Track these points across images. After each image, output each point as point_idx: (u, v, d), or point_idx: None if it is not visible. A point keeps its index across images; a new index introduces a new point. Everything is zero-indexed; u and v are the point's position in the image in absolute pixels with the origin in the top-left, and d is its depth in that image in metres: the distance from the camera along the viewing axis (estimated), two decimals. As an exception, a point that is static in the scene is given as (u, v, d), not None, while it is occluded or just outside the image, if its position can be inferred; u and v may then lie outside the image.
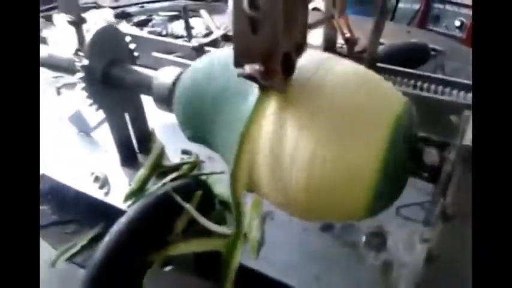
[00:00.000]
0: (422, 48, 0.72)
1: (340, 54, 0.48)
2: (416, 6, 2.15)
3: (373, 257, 0.35)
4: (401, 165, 0.25)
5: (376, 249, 0.35)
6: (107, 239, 0.32)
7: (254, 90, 0.26)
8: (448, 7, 1.95)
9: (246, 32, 0.21)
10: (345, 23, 0.48)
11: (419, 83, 0.50)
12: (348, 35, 0.48)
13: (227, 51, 0.30)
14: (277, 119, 0.25)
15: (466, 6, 1.87)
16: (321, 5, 0.58)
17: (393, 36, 0.90)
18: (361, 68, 0.27)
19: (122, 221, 0.33)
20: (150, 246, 0.33)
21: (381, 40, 0.84)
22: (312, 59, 0.27)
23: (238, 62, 0.23)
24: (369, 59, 0.47)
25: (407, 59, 0.72)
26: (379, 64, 0.51)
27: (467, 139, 0.19)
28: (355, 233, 0.37)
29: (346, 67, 0.27)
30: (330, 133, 0.24)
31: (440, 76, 0.50)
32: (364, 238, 0.36)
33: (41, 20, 0.96)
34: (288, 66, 0.24)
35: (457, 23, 1.89)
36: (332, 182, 0.24)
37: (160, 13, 1.00)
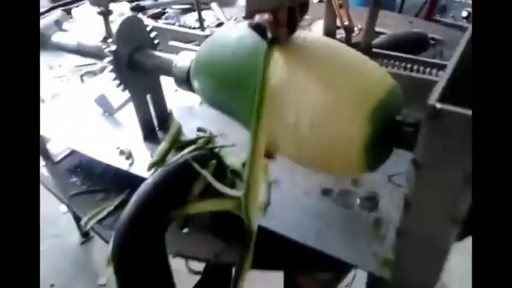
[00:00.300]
0: (422, 37, 0.76)
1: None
2: (427, -4, 2.16)
3: (365, 216, 0.40)
4: (388, 126, 0.30)
5: (368, 209, 0.40)
6: (134, 198, 0.38)
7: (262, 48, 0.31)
8: (456, -3, 1.97)
9: None
10: (345, 11, 0.52)
11: (415, 66, 0.54)
12: (346, 23, 0.52)
13: (230, 29, 0.35)
14: (284, 70, 0.30)
15: (472, -4, 1.88)
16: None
17: (396, 26, 0.94)
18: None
19: (147, 182, 0.38)
20: (172, 205, 0.38)
21: (384, 30, 0.88)
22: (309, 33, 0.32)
23: (250, 13, 0.27)
24: (364, 46, 0.52)
25: (407, 48, 0.76)
26: (374, 50, 0.56)
27: (433, 98, 0.24)
28: (351, 197, 0.42)
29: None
30: (327, 88, 0.29)
31: (431, 60, 0.54)
32: (358, 201, 0.41)
33: (62, 13, 1.01)
34: (292, 21, 0.29)
35: (464, 14, 1.92)
36: (330, 127, 0.29)
37: (174, 6, 1.05)
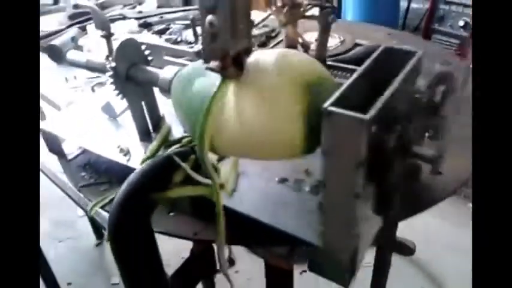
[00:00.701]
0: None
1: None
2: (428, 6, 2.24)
3: (313, 199, 0.49)
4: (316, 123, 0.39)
5: (316, 194, 0.49)
6: (124, 184, 0.48)
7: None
8: (453, 8, 2.04)
9: (209, 41, 0.36)
10: (295, 32, 0.62)
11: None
12: (300, 40, 0.62)
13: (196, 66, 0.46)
14: (230, 96, 0.40)
15: (469, 7, 1.96)
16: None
17: (376, 39, 1.03)
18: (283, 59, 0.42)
19: (136, 171, 0.48)
20: (155, 189, 0.48)
21: (364, 42, 0.97)
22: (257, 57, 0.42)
23: (206, 60, 0.38)
24: (318, 57, 0.61)
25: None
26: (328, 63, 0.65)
27: (328, 103, 0.33)
28: (303, 184, 0.51)
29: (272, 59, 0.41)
30: (261, 106, 0.39)
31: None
32: (308, 188, 0.50)
33: (77, 30, 1.13)
34: (239, 63, 0.39)
35: (461, 23, 1.99)
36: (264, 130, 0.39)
37: (177, 22, 1.16)
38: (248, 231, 0.49)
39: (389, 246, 1.30)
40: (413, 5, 2.74)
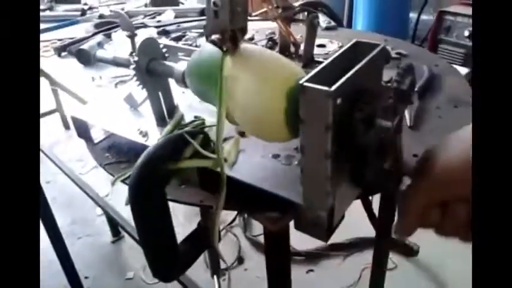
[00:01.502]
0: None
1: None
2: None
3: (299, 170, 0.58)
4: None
5: (302, 167, 0.58)
6: (142, 155, 0.57)
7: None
8: (459, 19, 2.12)
9: (212, 17, 0.46)
10: (287, 31, 0.72)
11: None
12: (293, 40, 0.72)
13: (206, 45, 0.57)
14: (232, 69, 0.50)
15: (474, 18, 2.02)
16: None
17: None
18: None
19: (152, 145, 0.58)
20: (168, 160, 0.58)
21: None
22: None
23: (208, 34, 0.48)
24: (305, 56, 0.71)
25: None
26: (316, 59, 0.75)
27: (303, 79, 0.42)
28: (292, 159, 0.60)
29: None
30: (256, 80, 0.49)
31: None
32: (296, 162, 0.59)
33: (103, 37, 1.26)
34: (235, 40, 0.49)
35: (466, 33, 2.06)
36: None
37: (193, 30, 1.27)
38: (245, 198, 0.58)
39: (387, 245, 1.36)
40: (423, 17, 2.81)
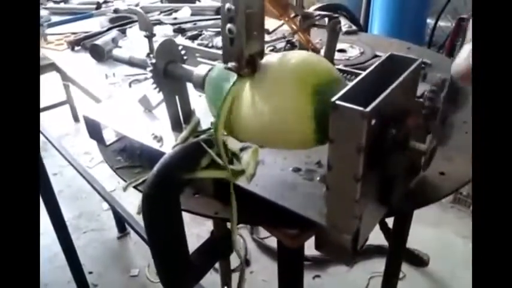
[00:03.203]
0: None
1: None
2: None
3: (322, 187, 0.55)
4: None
5: (324, 182, 0.55)
6: (157, 164, 0.55)
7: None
8: (479, 27, 2.07)
9: (228, 45, 0.44)
10: (306, 39, 0.69)
11: None
12: (312, 47, 0.69)
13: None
14: (245, 92, 0.47)
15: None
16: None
17: (395, 51, 1.08)
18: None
19: (168, 153, 0.55)
20: (184, 170, 0.55)
21: (382, 54, 1.03)
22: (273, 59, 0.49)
23: (225, 61, 0.46)
24: None
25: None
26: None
27: (335, 97, 0.39)
28: (314, 174, 0.57)
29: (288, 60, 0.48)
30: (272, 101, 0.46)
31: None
32: (318, 177, 0.56)
33: (117, 32, 1.24)
34: (253, 64, 0.46)
35: (486, 42, 2.01)
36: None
37: (209, 29, 1.24)
38: (264, 212, 0.56)
39: (399, 253, 1.33)
40: (441, 23, 2.76)
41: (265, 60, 0.49)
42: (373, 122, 0.39)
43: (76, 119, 2.97)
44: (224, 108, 0.50)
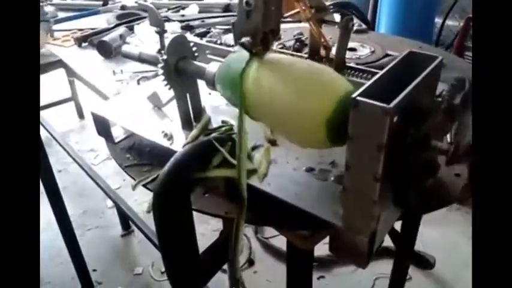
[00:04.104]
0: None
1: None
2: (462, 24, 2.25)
3: (336, 188, 0.54)
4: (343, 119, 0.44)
5: (339, 183, 0.54)
6: (169, 162, 0.54)
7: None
8: (488, 27, 2.05)
9: (243, 18, 0.43)
10: (319, 33, 0.68)
11: None
12: (324, 42, 0.67)
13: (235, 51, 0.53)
14: (257, 71, 0.46)
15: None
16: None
17: (407, 50, 1.07)
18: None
19: (180, 152, 0.54)
20: (196, 168, 0.54)
21: (395, 53, 1.01)
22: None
23: (237, 37, 0.44)
24: (337, 60, 0.66)
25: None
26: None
27: (356, 93, 0.38)
28: (328, 174, 0.56)
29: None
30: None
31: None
32: (333, 177, 0.55)
33: (125, 29, 1.23)
34: (266, 42, 0.45)
35: (495, 42, 1.99)
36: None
37: (217, 26, 1.23)
38: (275, 212, 0.54)
39: (407, 256, 1.32)
40: (449, 22, 2.74)
41: (282, 55, 0.48)
42: (395, 119, 0.38)
43: (81, 115, 2.97)
44: (242, 86, 0.49)
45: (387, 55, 1.00)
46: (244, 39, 0.45)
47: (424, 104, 0.42)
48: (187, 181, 0.54)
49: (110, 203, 2.41)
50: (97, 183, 1.87)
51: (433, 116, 0.44)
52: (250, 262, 1.96)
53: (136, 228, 2.07)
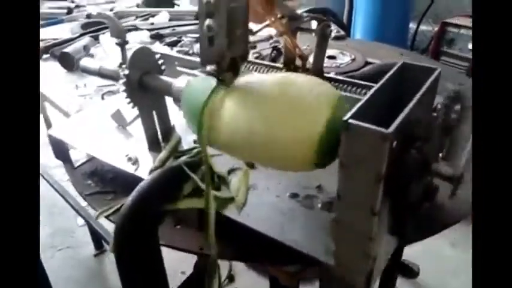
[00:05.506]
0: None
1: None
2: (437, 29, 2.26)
3: (325, 216, 0.47)
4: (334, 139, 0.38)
5: (328, 210, 0.48)
6: (133, 192, 0.47)
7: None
8: (463, 31, 2.05)
9: (206, 45, 0.36)
10: (293, 43, 0.62)
11: (358, 89, 0.62)
12: (299, 53, 0.62)
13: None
14: (225, 101, 0.40)
15: (479, 30, 1.96)
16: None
17: (387, 57, 1.03)
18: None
19: (146, 180, 0.47)
20: (164, 200, 0.47)
21: (375, 60, 0.97)
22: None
23: (203, 64, 0.38)
24: (314, 70, 0.61)
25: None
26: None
27: (347, 115, 0.32)
28: (314, 200, 0.50)
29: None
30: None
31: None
32: (320, 204, 0.49)
33: (90, 39, 1.14)
34: (234, 68, 0.39)
35: (470, 46, 1.99)
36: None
37: (188, 35, 1.16)
38: (257, 247, 0.48)
39: (395, 267, 1.27)
40: (422, 27, 2.75)
41: (254, 77, 0.42)
42: (395, 144, 0.32)
43: (49, 127, 2.84)
44: (204, 120, 0.42)
45: (368, 63, 0.95)
46: (209, 68, 0.39)
47: (424, 123, 0.36)
48: (154, 214, 0.47)
49: (80, 221, 2.29)
50: (66, 200, 1.76)
51: (432, 135, 0.39)
52: (231, 278, 1.88)
53: (109, 247, 1.95)
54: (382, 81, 0.38)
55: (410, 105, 0.34)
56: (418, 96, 0.35)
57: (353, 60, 0.97)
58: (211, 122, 0.42)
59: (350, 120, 0.32)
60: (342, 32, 1.14)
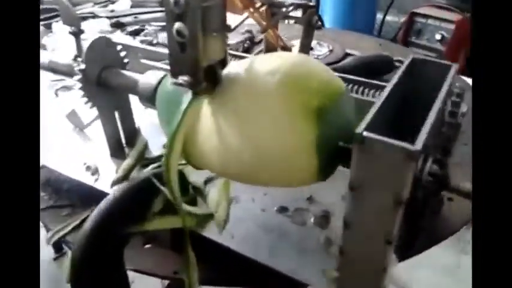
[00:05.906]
0: (388, 59, 0.80)
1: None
2: (403, 20, 2.26)
3: (318, 233, 0.41)
4: (332, 146, 0.31)
5: (321, 226, 0.42)
6: (94, 212, 0.39)
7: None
8: (430, 21, 2.05)
9: (177, 52, 0.29)
10: (275, 35, 0.56)
11: (355, 87, 0.56)
12: (281, 44, 0.55)
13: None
14: (206, 117, 0.33)
15: (446, 21, 1.97)
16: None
17: (366, 48, 0.98)
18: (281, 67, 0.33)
19: (108, 198, 0.39)
20: (131, 221, 0.40)
21: (355, 52, 0.92)
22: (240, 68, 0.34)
23: (174, 74, 0.31)
24: None
25: (374, 69, 0.79)
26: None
27: (360, 127, 0.26)
28: (305, 214, 0.44)
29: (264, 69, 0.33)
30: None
31: (375, 82, 0.55)
32: (312, 219, 0.43)
33: (42, 28, 1.03)
34: (213, 77, 0.32)
35: (438, 37, 2.00)
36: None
37: (152, 23, 1.07)
38: (241, 270, 0.41)
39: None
40: (388, 18, 2.75)
41: (232, 70, 0.34)
42: (420, 162, 0.26)
43: None
44: (177, 139, 0.35)
45: (348, 54, 0.90)
46: (181, 79, 0.31)
47: (445, 132, 0.31)
48: (118, 239, 0.39)
49: (39, 222, 2.14)
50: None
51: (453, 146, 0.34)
52: None
53: (69, 250, 1.84)
54: (393, 81, 0.32)
55: (434, 111, 0.28)
56: (440, 99, 0.29)
57: (331, 51, 0.91)
58: (190, 139, 0.35)
59: (365, 133, 0.25)
60: (319, 22, 1.08)
